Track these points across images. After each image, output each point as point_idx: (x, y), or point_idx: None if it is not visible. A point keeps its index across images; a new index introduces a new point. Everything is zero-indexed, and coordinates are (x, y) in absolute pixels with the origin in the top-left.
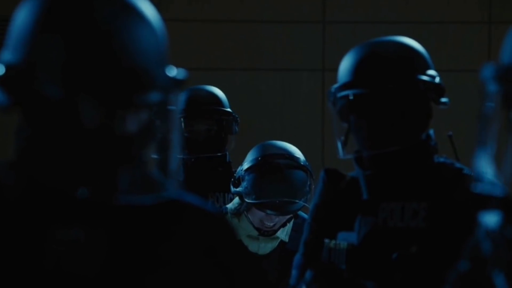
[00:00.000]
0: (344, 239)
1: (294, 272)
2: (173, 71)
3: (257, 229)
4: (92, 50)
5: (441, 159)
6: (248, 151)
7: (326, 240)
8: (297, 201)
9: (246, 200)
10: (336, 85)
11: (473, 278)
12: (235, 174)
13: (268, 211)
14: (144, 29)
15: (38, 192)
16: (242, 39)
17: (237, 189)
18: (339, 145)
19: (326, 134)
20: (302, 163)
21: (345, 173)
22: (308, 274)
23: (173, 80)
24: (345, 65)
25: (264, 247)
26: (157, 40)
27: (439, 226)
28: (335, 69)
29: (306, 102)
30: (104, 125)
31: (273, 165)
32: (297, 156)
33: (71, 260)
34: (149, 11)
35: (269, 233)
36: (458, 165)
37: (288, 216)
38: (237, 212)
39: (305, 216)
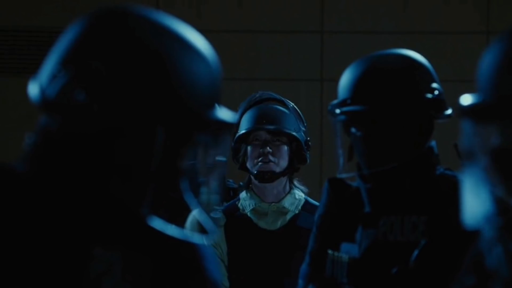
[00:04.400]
0: (347, 251)
1: (300, 283)
2: (223, 113)
3: (257, 175)
4: (164, 87)
5: (445, 171)
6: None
7: (330, 252)
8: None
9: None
10: (335, 101)
11: None
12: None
13: (252, 125)
14: (204, 70)
15: (81, 210)
16: (240, 48)
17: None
18: (341, 162)
19: (325, 144)
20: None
21: (349, 183)
22: None
23: (222, 122)
24: (345, 80)
25: (274, 222)
26: (213, 82)
27: (438, 240)
28: (334, 79)
29: (304, 112)
30: (168, 156)
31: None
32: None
33: (110, 281)
34: (211, 55)
35: (268, 177)
36: (460, 176)
37: (282, 165)
38: (245, 187)
39: (314, 202)
